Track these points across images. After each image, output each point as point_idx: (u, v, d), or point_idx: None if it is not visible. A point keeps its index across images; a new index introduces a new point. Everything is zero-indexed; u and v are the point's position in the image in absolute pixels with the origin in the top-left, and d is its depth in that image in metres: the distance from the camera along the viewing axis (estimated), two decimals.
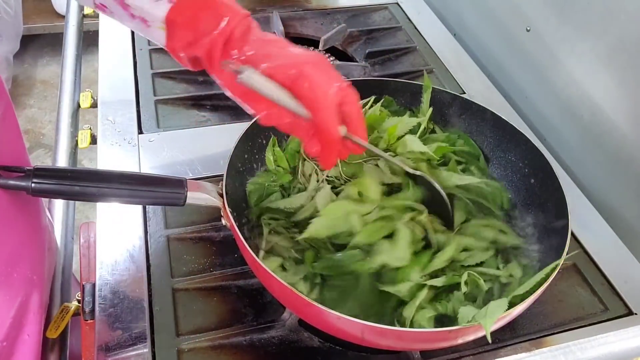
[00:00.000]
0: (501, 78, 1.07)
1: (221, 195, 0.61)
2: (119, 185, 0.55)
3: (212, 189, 0.61)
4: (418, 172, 0.68)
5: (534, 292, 0.57)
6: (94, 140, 0.91)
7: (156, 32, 0.60)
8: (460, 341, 0.58)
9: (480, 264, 0.65)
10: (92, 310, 0.66)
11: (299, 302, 0.55)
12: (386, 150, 0.74)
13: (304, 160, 0.74)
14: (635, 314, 0.70)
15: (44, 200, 0.74)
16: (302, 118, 0.57)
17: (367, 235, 0.65)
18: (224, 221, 0.62)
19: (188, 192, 0.58)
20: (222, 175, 0.63)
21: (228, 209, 0.60)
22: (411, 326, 0.59)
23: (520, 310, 0.58)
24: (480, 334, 0.58)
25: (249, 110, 0.61)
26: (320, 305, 0.53)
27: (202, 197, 0.59)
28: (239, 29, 0.58)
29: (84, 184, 0.53)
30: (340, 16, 1.20)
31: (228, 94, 0.61)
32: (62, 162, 0.88)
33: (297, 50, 0.58)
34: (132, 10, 0.59)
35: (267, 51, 0.57)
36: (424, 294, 0.61)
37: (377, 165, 0.73)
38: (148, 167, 0.82)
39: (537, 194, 0.72)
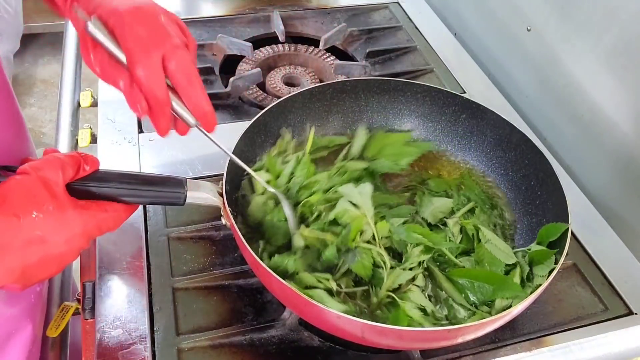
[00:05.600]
0: (501, 78, 1.07)
1: (221, 195, 0.61)
2: (119, 184, 0.55)
3: (212, 189, 0.61)
4: (274, 190, 0.67)
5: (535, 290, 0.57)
6: (94, 139, 0.91)
7: None
8: (460, 340, 0.58)
9: None
10: (92, 309, 0.66)
11: (299, 301, 0.55)
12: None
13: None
14: (635, 313, 0.70)
15: None
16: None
17: None
18: (224, 220, 0.62)
19: (188, 192, 0.58)
20: (222, 175, 0.63)
21: (228, 209, 0.60)
22: None
23: (520, 309, 0.58)
24: (480, 333, 0.58)
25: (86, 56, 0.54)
26: (320, 305, 0.53)
27: (202, 196, 0.59)
28: None
29: (84, 183, 0.53)
30: (341, 15, 1.20)
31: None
32: None
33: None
34: None
35: None
36: None
37: None
38: (148, 166, 0.82)
39: (538, 194, 0.72)
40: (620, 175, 0.83)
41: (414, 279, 0.64)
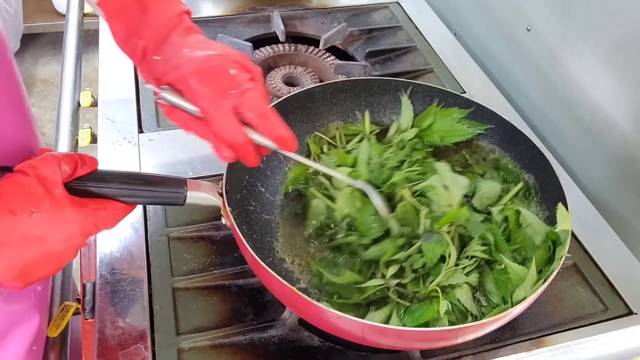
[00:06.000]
0: (502, 77, 1.07)
1: (221, 195, 0.61)
2: (119, 185, 0.54)
3: (212, 188, 0.61)
4: (360, 184, 0.69)
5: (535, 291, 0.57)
6: (94, 139, 0.90)
7: (98, 11, 0.60)
8: (460, 340, 0.58)
9: None
10: (93, 309, 0.66)
11: (299, 302, 0.55)
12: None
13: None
14: (636, 313, 0.70)
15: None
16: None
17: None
18: (224, 220, 0.62)
19: (188, 192, 0.58)
20: (222, 175, 0.63)
21: (228, 208, 0.60)
22: None
23: (521, 309, 0.58)
24: (480, 334, 0.58)
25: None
26: (320, 304, 0.53)
27: (202, 196, 0.59)
28: (163, 31, 0.57)
29: (83, 183, 0.53)
30: (341, 15, 1.20)
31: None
32: None
33: (199, 54, 0.57)
34: None
35: (175, 60, 0.56)
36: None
37: None
38: (148, 166, 0.82)
39: (538, 194, 0.72)
40: (620, 175, 0.83)
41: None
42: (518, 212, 0.67)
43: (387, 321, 0.61)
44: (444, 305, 0.60)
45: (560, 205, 0.65)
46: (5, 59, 0.61)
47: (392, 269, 0.63)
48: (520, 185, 0.72)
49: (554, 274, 0.58)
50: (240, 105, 0.55)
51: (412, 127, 0.80)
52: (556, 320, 0.69)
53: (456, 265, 0.64)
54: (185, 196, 0.58)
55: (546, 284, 0.57)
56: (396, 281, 0.63)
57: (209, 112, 0.55)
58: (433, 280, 0.62)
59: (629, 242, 0.78)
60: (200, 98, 0.54)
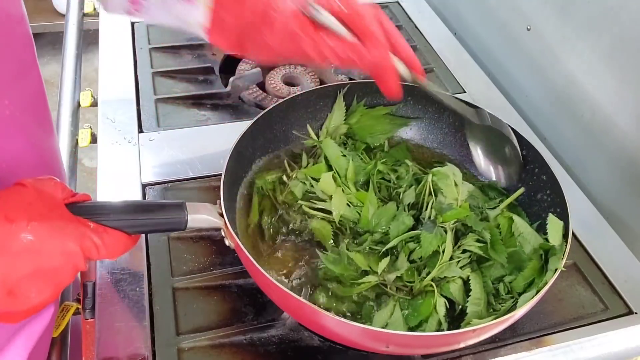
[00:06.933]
0: (502, 77, 1.07)
1: (221, 215, 0.59)
2: (117, 215, 0.52)
3: (211, 209, 0.59)
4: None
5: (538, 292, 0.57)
6: (94, 139, 0.91)
7: (198, 11, 0.58)
8: (462, 345, 0.58)
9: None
10: (93, 309, 0.66)
11: (298, 307, 0.55)
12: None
13: None
14: (636, 313, 0.70)
15: None
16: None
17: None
18: (227, 242, 0.60)
19: (189, 215, 0.56)
20: (221, 175, 0.63)
21: (231, 229, 0.58)
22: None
23: (523, 312, 0.58)
24: (482, 337, 0.58)
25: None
26: (322, 311, 0.53)
27: (203, 218, 0.58)
28: None
29: (82, 217, 0.51)
30: None
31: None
32: (63, 161, 0.88)
33: None
34: None
35: None
36: None
37: None
38: (148, 166, 0.82)
39: (538, 194, 0.72)
40: (620, 175, 0.83)
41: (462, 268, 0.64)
42: (511, 220, 0.66)
43: (391, 316, 0.61)
44: (441, 303, 0.60)
45: (550, 216, 0.65)
46: (34, 64, 0.60)
47: (384, 263, 0.63)
48: (521, 190, 0.71)
49: (547, 286, 0.58)
50: (382, 20, 0.59)
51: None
52: (556, 319, 0.69)
53: (451, 258, 0.64)
54: (187, 220, 0.56)
55: (540, 295, 0.57)
56: (394, 275, 0.63)
57: (361, 13, 0.57)
58: (429, 273, 0.62)
59: (629, 242, 0.78)
60: (353, 3, 0.58)
